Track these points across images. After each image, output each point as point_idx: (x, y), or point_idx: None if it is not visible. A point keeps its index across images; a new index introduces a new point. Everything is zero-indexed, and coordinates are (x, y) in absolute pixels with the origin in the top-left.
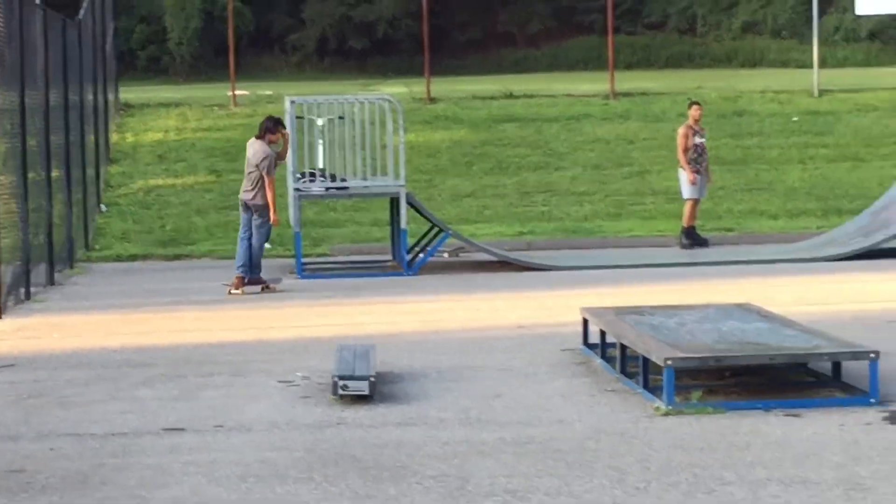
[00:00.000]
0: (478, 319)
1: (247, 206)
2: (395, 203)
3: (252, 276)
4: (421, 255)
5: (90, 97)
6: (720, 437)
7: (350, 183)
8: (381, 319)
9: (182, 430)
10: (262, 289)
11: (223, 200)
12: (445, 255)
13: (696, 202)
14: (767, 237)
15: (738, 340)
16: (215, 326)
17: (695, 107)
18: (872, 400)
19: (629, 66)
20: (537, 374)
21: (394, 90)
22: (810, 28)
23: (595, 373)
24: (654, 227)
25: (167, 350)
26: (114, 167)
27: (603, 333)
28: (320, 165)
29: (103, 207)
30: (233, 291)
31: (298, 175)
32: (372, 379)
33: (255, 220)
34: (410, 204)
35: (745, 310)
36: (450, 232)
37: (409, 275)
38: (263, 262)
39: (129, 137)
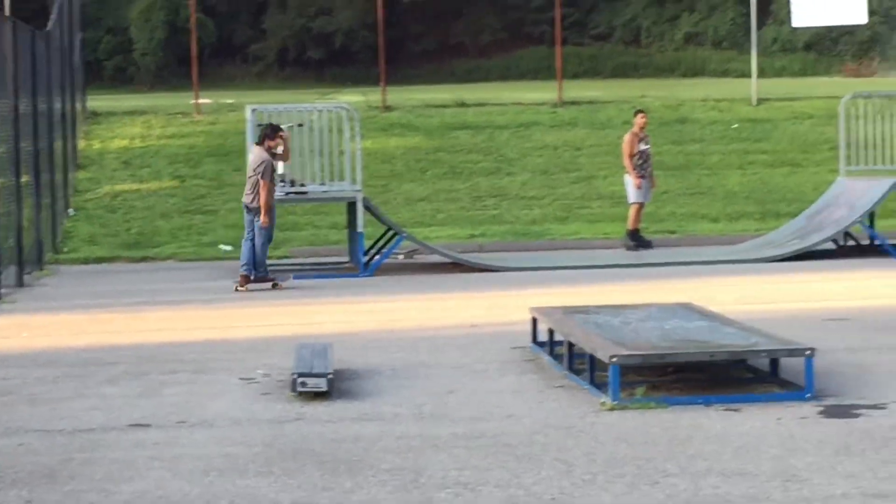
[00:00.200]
0: (431, 319)
1: (248, 209)
2: (352, 207)
3: (259, 275)
4: (377, 257)
5: (58, 106)
6: (663, 430)
7: (309, 188)
8: (338, 319)
9: (147, 425)
10: (273, 286)
11: (186, 205)
12: (400, 257)
13: (640, 206)
14: (708, 239)
15: (680, 338)
16: (179, 326)
17: (640, 115)
18: (808, 395)
19: (576, 76)
20: (488, 371)
21: (351, 99)
22: (749, 39)
23: (543, 370)
24: (600, 230)
25: (132, 349)
26: (81, 173)
27: (551, 332)
28: (280, 171)
29: (71, 211)
30: (239, 289)
31: None
32: (330, 376)
33: (256, 222)
34: (367, 208)
35: (687, 309)
36: (404, 235)
37: (365, 276)
38: (226, 262)
39: (96, 144)
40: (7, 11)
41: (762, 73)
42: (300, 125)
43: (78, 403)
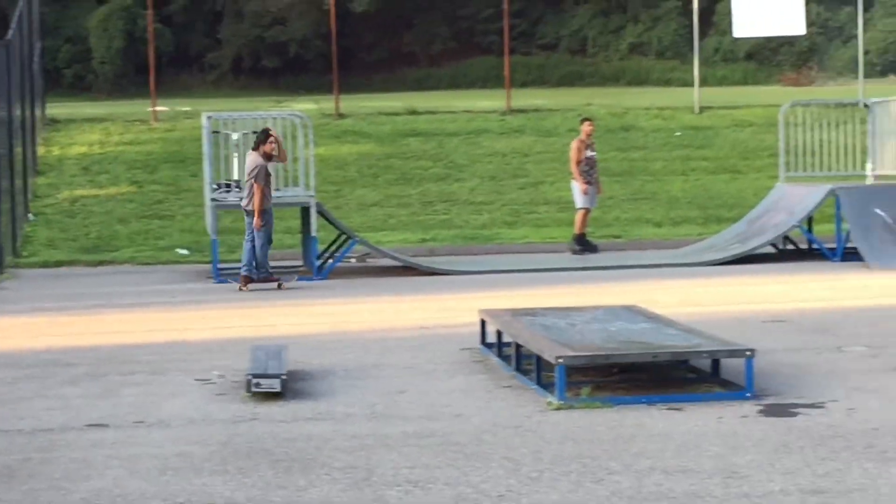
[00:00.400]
0: (383, 321)
1: (247, 212)
2: (305, 212)
3: (262, 275)
4: (330, 260)
5: (18, 113)
6: (608, 429)
7: None
8: (292, 321)
9: (105, 425)
10: (278, 286)
11: (144, 210)
12: (353, 260)
13: (587, 211)
14: (652, 243)
15: (624, 340)
16: (136, 328)
17: (586, 123)
18: (748, 394)
19: (524, 85)
20: (438, 372)
21: (304, 106)
22: (692, 49)
23: (492, 370)
24: (547, 235)
25: (91, 350)
26: (41, 178)
27: (499, 333)
28: (235, 177)
29: (31, 216)
30: (242, 289)
31: (215, 186)
32: (284, 377)
33: (252, 224)
34: (320, 213)
35: (632, 311)
36: (357, 239)
37: (318, 279)
38: (183, 266)
39: (56, 150)
40: None
41: (704, 82)
42: (255, 132)
43: (38, 404)
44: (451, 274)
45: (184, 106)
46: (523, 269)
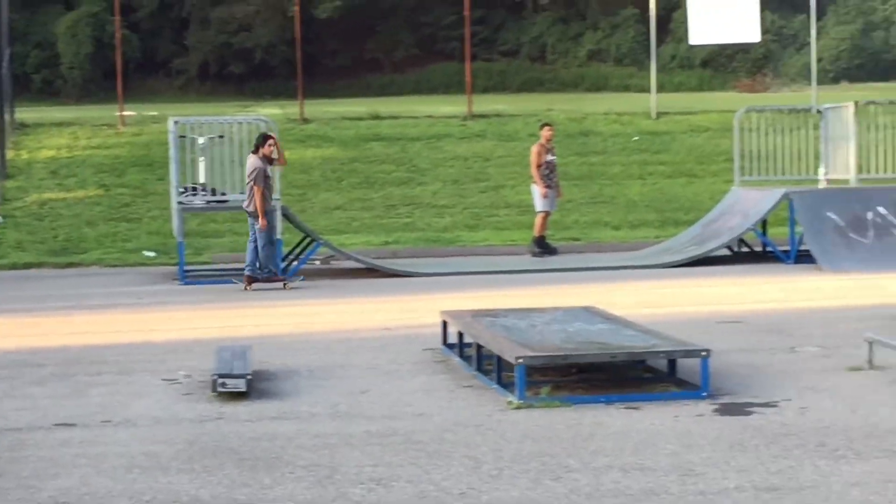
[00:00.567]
0: (347, 322)
1: (249, 214)
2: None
3: (266, 275)
4: (295, 262)
5: None
6: (566, 428)
7: (229, 196)
8: (257, 322)
9: (72, 425)
10: (284, 285)
11: (111, 213)
12: (317, 262)
13: (546, 214)
14: (610, 246)
15: (583, 340)
16: (104, 329)
17: (546, 128)
18: (704, 394)
19: (485, 90)
20: (401, 372)
21: (269, 111)
22: (649, 56)
23: (453, 370)
24: (507, 237)
25: (59, 351)
26: (10, 182)
27: (461, 334)
28: (202, 180)
29: (0, 219)
30: (247, 288)
31: (181, 189)
32: (249, 377)
33: (256, 226)
34: (285, 216)
35: (590, 312)
36: (321, 242)
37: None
38: (150, 268)
39: (24, 154)
40: None
41: (661, 89)
42: (221, 136)
43: (6, 404)
44: (414, 276)
45: (151, 111)
46: (484, 271)
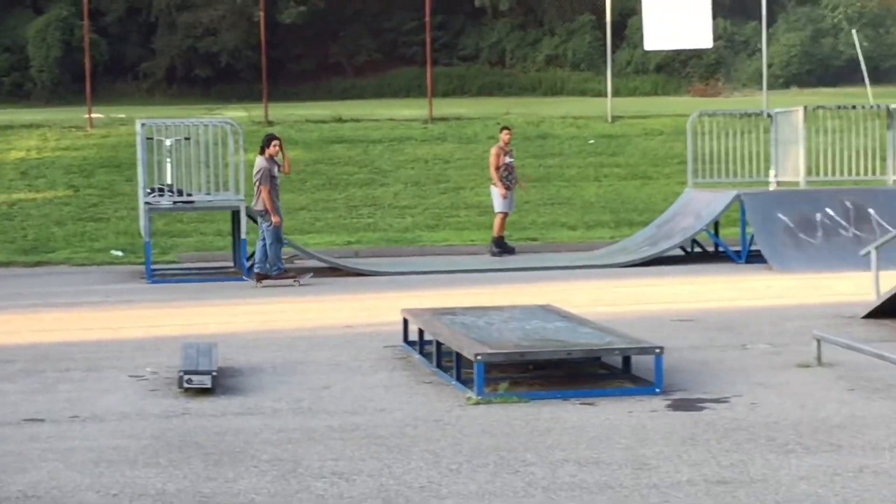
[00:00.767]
0: (310, 319)
1: (257, 213)
2: (235, 215)
3: (276, 272)
4: None
5: None
6: (524, 423)
7: (195, 197)
8: (222, 320)
9: (41, 420)
10: (295, 283)
11: (80, 213)
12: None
13: (505, 215)
14: (567, 246)
15: (540, 338)
16: (72, 326)
17: (505, 131)
18: (657, 390)
19: (446, 94)
20: (362, 368)
21: (235, 114)
22: (605, 61)
23: (414, 367)
24: (467, 237)
25: (28, 348)
26: None
27: (421, 332)
28: (168, 181)
29: None
30: (257, 285)
31: (148, 190)
32: (214, 373)
33: (263, 224)
34: (250, 216)
35: (547, 310)
36: (285, 241)
37: (248, 280)
38: (118, 267)
39: None
40: None
41: (617, 93)
42: (187, 138)
43: None
44: (376, 275)
45: (119, 113)
46: (444, 271)
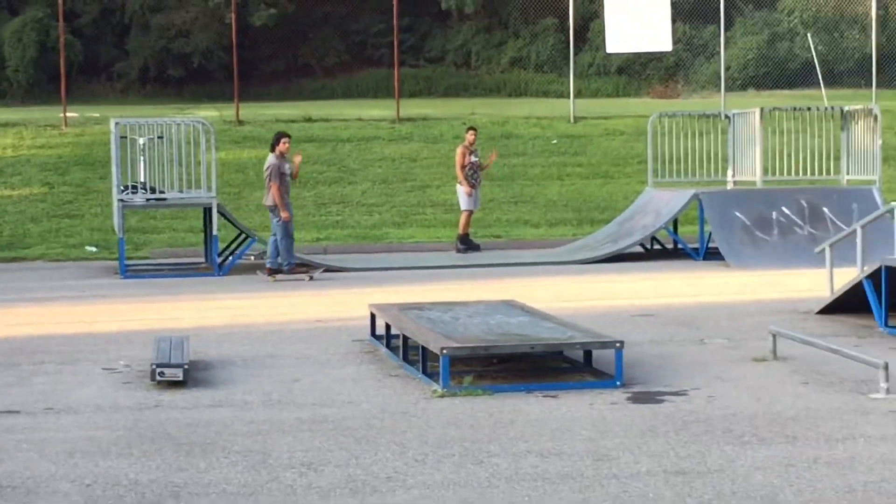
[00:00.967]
0: (279, 314)
1: (269, 209)
2: (207, 212)
3: (289, 267)
4: (230, 258)
5: None
6: (488, 415)
7: (168, 195)
8: (194, 314)
9: (16, 412)
10: (309, 277)
11: (55, 210)
12: (252, 258)
13: (470, 213)
14: (530, 243)
15: (504, 332)
16: (46, 320)
17: (471, 131)
18: (618, 383)
19: (413, 95)
20: (331, 362)
21: (207, 114)
22: (568, 63)
23: (381, 360)
24: (433, 234)
25: (3, 341)
26: None
27: (388, 326)
28: (142, 179)
29: None
30: (269, 280)
31: (122, 187)
32: (186, 366)
33: (274, 220)
34: (221, 213)
35: (510, 306)
36: (255, 238)
37: (219, 275)
38: (92, 262)
39: None
40: None
41: (579, 94)
42: (160, 137)
43: None
44: (344, 271)
45: (93, 112)
46: (411, 267)
